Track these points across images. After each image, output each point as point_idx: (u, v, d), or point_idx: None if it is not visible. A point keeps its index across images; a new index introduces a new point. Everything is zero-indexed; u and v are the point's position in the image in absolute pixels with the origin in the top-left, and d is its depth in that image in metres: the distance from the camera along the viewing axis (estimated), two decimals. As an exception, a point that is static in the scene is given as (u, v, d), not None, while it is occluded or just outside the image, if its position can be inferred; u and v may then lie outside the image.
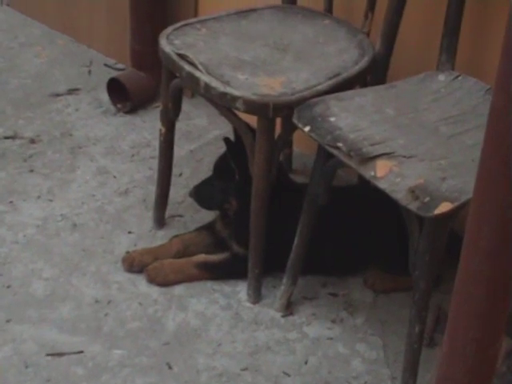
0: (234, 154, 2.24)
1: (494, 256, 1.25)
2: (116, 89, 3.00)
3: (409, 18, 2.24)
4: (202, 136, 2.93)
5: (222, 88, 2.08)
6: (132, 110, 3.02)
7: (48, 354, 2.10)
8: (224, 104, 2.11)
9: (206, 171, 2.59)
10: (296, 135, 2.30)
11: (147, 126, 2.96)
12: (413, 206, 1.77)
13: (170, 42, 2.23)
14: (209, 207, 2.44)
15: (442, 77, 2.17)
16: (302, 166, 2.68)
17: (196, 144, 2.89)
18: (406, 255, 1.94)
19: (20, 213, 2.54)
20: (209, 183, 2.38)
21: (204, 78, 2.11)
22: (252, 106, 2.06)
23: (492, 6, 2.21)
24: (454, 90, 2.13)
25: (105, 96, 3.05)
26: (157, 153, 2.48)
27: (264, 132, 2.10)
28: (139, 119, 3.00)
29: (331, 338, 2.20)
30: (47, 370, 2.06)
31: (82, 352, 2.11)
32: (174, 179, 2.52)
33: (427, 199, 1.76)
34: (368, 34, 2.34)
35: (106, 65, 3.27)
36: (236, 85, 2.09)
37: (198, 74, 2.13)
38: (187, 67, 2.15)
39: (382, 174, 1.82)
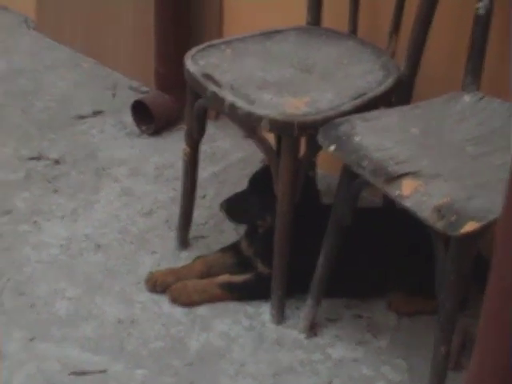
0: None
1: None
2: (140, 111, 3.01)
3: (434, 38, 2.24)
4: (226, 158, 2.94)
5: (247, 108, 2.08)
6: (156, 132, 3.03)
7: (71, 373, 2.10)
8: (249, 124, 2.11)
9: (229, 193, 2.57)
10: (320, 157, 2.29)
11: (171, 147, 2.97)
12: (439, 225, 1.75)
13: (195, 63, 2.24)
14: (240, 221, 2.41)
15: (466, 98, 2.16)
16: (326, 187, 2.67)
17: (220, 166, 2.89)
18: (430, 278, 1.93)
19: (44, 232, 2.55)
20: (243, 197, 2.34)
21: (229, 97, 2.12)
22: (277, 126, 2.06)
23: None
24: (478, 111, 2.12)
25: (129, 118, 3.07)
26: (180, 174, 2.48)
27: (288, 151, 2.09)
28: (163, 141, 3.02)
29: (355, 360, 2.18)
30: (70, 388, 2.06)
31: (104, 371, 2.11)
32: (197, 201, 2.53)
33: (453, 218, 1.74)
34: (393, 55, 2.34)
35: (130, 87, 3.29)
36: (261, 104, 2.09)
37: (222, 93, 2.13)
38: (212, 87, 2.16)
39: (407, 192, 1.82)
